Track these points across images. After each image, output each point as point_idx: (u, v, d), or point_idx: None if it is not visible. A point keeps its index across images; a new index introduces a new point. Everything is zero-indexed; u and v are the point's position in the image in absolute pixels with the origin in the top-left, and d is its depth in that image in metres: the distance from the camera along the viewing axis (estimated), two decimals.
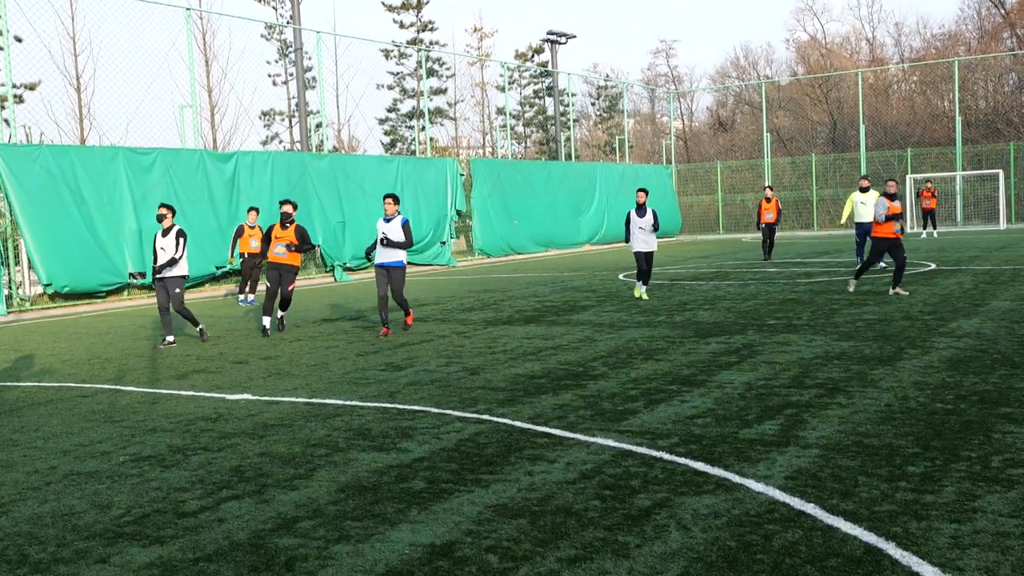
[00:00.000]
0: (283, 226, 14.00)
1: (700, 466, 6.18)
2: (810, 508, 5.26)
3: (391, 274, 13.36)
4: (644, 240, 16.06)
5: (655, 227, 16.10)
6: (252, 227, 19.69)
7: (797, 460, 6.21)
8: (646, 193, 16.27)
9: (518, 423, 7.62)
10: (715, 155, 61.79)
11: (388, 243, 13.18)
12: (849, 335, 11.39)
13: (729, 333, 12.03)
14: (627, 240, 16.30)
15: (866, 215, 19.51)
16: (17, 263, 20.94)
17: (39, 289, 20.98)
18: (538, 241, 35.58)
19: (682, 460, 6.32)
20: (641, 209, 16.17)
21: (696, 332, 12.26)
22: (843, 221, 22.16)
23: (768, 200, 25.84)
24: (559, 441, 6.99)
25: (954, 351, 9.96)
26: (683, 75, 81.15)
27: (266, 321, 14.01)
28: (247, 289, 19.88)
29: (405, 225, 13.37)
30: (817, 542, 4.75)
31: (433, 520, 5.34)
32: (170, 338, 13.41)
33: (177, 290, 13.39)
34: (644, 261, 16.25)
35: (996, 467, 5.84)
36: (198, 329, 13.86)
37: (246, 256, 19.60)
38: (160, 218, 13.47)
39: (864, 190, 20.23)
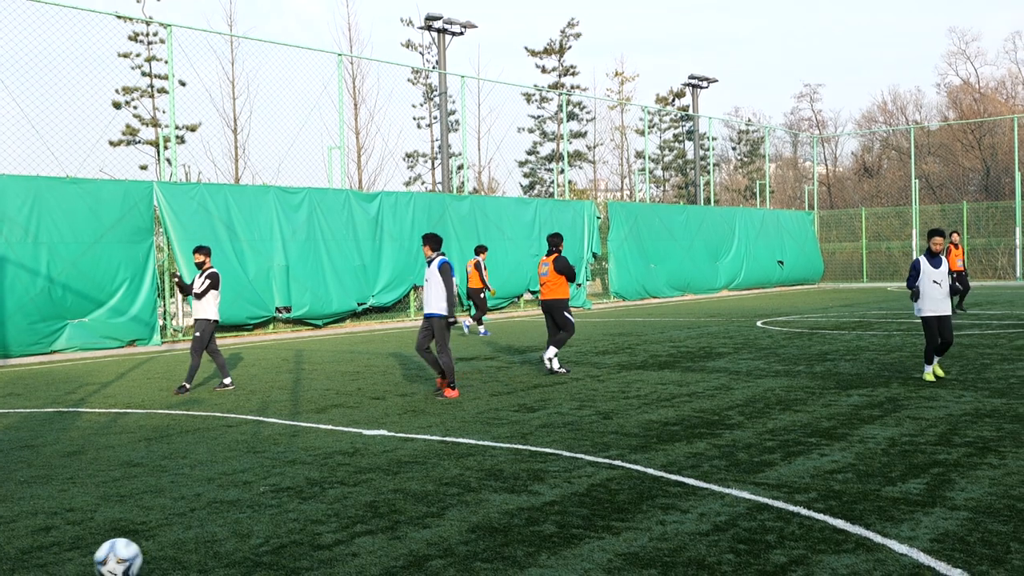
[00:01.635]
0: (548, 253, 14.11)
1: (839, 523, 5.96)
2: (957, 574, 5.00)
3: (432, 324, 11.89)
4: (941, 299, 11.97)
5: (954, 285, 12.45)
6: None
7: (944, 522, 5.92)
8: (944, 238, 12.01)
9: (651, 470, 7.52)
10: (859, 201, 60.05)
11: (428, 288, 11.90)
12: (1002, 392, 10.83)
13: (872, 385, 11.61)
14: (913, 298, 12.12)
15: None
16: (172, 295, 22.00)
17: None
18: (674, 285, 35.23)
19: (820, 516, 6.10)
20: (936, 258, 11.97)
21: (837, 383, 11.88)
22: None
23: (956, 247, 24.56)
24: (692, 491, 6.86)
25: None
26: (827, 119, 79.39)
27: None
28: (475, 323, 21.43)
29: (444, 267, 11.81)
30: None
31: (563, 565, 5.30)
32: (226, 380, 13.14)
33: (198, 333, 13.01)
34: (940, 329, 11.94)
35: None
36: (222, 381, 13.27)
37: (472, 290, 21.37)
38: (198, 265, 13.29)
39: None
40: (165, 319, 21.43)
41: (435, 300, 11.79)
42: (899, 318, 22.24)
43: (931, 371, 12.02)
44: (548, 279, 13.89)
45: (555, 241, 14.09)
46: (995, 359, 13.73)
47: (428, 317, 11.87)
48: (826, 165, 74.02)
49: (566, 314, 13.75)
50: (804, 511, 6.25)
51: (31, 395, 13.24)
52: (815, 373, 12.90)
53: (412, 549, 5.67)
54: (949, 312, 11.97)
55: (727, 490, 6.85)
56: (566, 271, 13.72)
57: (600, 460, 7.93)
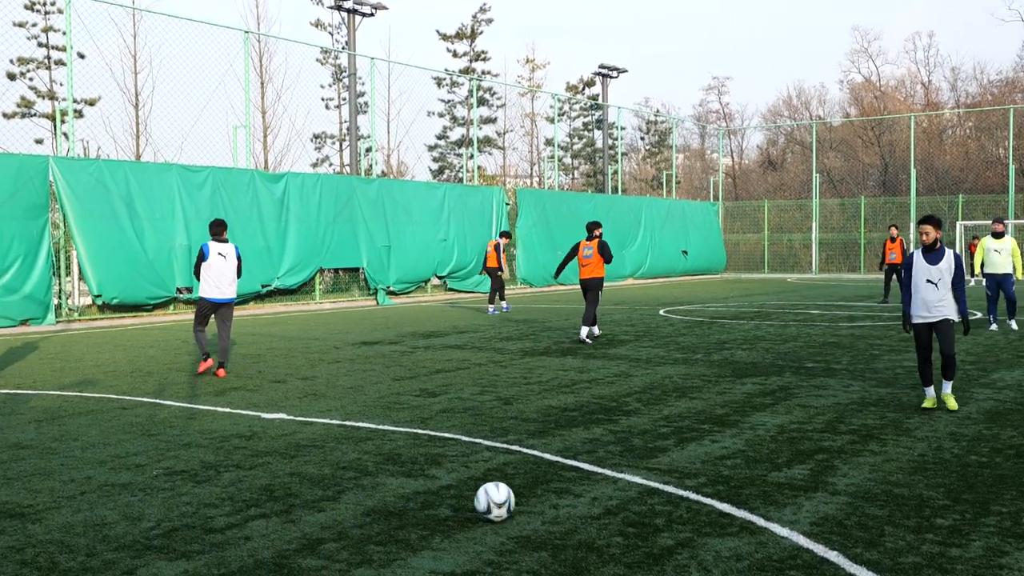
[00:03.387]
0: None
1: (726, 507, 6.16)
2: (833, 556, 5.23)
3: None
4: (935, 303, 9.40)
5: (955, 278, 9.44)
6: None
7: (824, 506, 6.17)
8: (932, 226, 9.38)
9: (547, 455, 7.64)
10: (764, 194, 61.51)
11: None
12: (888, 382, 11.27)
13: (766, 374, 11.96)
14: (906, 310, 9.69)
15: (1001, 264, 17.36)
16: (68, 274, 21.37)
17: (88, 300, 21.39)
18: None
19: (708, 500, 6.30)
20: (933, 252, 9.41)
21: (733, 372, 12.21)
22: (976, 272, 18.69)
23: (893, 240, 25.23)
24: (587, 475, 7.00)
25: (994, 403, 9.82)
26: (734, 112, 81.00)
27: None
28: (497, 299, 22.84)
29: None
30: None
31: (455, 548, 5.38)
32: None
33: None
34: (931, 337, 9.60)
35: None
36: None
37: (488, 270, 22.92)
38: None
39: (998, 235, 17.55)
40: (61, 298, 20.82)
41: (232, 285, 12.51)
42: (796, 309, 22.90)
43: (931, 395, 9.56)
44: (591, 260, 16.10)
45: (594, 226, 16.36)
46: (884, 350, 14.26)
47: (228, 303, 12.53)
48: (732, 157, 75.57)
49: (599, 292, 16.08)
50: (693, 495, 6.44)
51: None
52: (712, 361, 13.23)
53: (306, 532, 5.68)
54: (947, 317, 9.38)
55: (620, 475, 7.01)
56: (606, 254, 15.95)
57: (498, 445, 8.02)
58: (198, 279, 12.54)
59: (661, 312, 22.47)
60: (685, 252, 43.06)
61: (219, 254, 12.35)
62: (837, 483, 6.74)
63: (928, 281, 9.41)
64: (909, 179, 44.40)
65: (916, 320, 9.54)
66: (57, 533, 5.71)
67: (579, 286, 17.25)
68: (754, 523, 5.83)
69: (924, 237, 9.36)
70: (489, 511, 5.80)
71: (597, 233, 16.27)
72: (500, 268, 22.76)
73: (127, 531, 5.74)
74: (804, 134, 66.49)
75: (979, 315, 19.74)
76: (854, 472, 7.03)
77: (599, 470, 7.14)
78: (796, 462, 7.35)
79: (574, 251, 16.48)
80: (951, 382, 9.60)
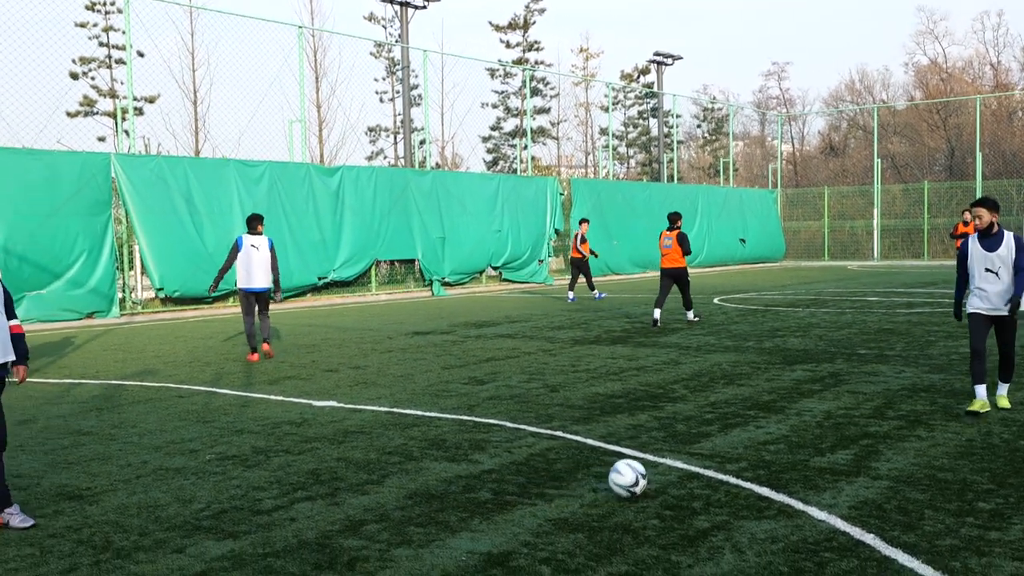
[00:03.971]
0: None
1: (765, 491, 6.18)
2: (870, 539, 5.23)
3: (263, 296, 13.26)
4: (996, 295, 8.43)
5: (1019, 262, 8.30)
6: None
7: (865, 491, 6.16)
8: (987, 209, 8.42)
9: (590, 441, 7.71)
10: (825, 180, 60.62)
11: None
12: (942, 368, 11.13)
13: (817, 361, 11.88)
14: (957, 297, 8.95)
15: None
16: (131, 268, 21.93)
17: (151, 293, 21.93)
18: (636, 263, 35.49)
19: (747, 485, 6.32)
20: (990, 238, 8.43)
21: (783, 359, 12.14)
22: None
23: (966, 224, 24.61)
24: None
25: None
26: (795, 98, 79.93)
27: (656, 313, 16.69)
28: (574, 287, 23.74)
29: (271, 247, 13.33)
30: (871, 572, 4.73)
31: (493, 530, 5.48)
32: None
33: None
34: (989, 328, 8.66)
35: None
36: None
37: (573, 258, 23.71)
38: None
39: None
40: (125, 292, 21.36)
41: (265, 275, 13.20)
42: (853, 296, 22.62)
43: (982, 396, 8.39)
44: (671, 251, 17.05)
45: (675, 218, 17.23)
46: (940, 336, 14.06)
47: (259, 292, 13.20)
48: (792, 144, 74.60)
49: (688, 278, 17.22)
50: (733, 480, 6.46)
51: None
52: (763, 349, 13.17)
53: (349, 514, 5.83)
54: (1007, 313, 8.39)
55: (661, 459, 7.06)
56: (685, 244, 16.91)
57: (542, 431, 8.11)
58: (224, 271, 13.32)
59: (715, 300, 22.34)
60: (743, 240, 42.67)
61: (252, 246, 13.16)
62: (880, 468, 6.72)
63: (987, 270, 8.42)
64: (975, 163, 43.43)
65: (973, 310, 8.56)
66: (112, 514, 5.93)
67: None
68: (792, 507, 5.85)
69: (978, 221, 8.44)
70: (636, 484, 6.00)
71: (678, 225, 17.17)
72: (582, 256, 23.53)
73: (178, 512, 5.94)
74: (867, 119, 65.34)
75: None
76: (898, 457, 6.99)
77: (641, 455, 7.20)
78: (840, 447, 7.32)
79: (659, 240, 17.48)
80: (1008, 384, 8.79)
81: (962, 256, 8.60)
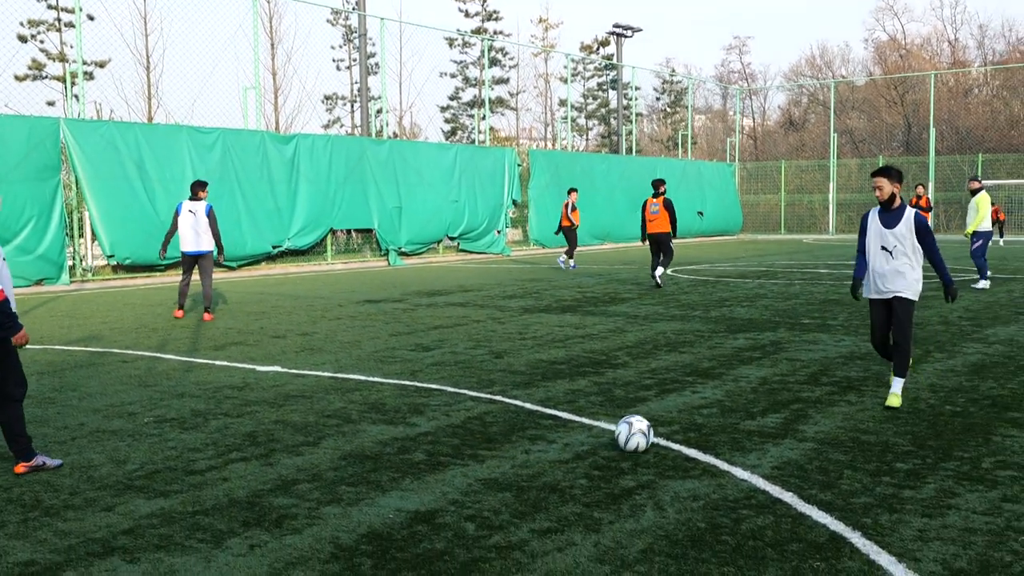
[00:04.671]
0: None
1: (693, 453, 6.32)
2: (788, 496, 5.39)
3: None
4: (890, 275, 7.70)
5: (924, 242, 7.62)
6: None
7: (789, 452, 6.32)
8: (886, 178, 7.62)
9: (528, 405, 7.82)
10: (785, 154, 61.05)
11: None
12: None
13: (760, 330, 12.08)
14: (857, 275, 7.95)
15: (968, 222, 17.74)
16: (81, 235, 21.68)
17: (102, 261, 21.72)
18: (594, 234, 35.63)
19: (676, 446, 6.47)
20: (892, 212, 7.68)
21: (728, 328, 12.33)
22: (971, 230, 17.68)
23: (919, 198, 25.00)
24: (564, 423, 7.18)
25: (981, 356, 9.90)
26: (756, 73, 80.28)
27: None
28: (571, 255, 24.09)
29: (210, 212, 13.90)
30: (785, 528, 4.89)
31: (423, 489, 5.57)
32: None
33: None
34: (886, 316, 7.88)
35: (985, 468, 5.89)
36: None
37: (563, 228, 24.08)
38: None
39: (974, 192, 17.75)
40: (75, 259, 21.14)
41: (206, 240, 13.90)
42: (804, 268, 22.93)
43: (897, 390, 7.64)
44: (657, 216, 17.86)
45: (659, 184, 18.31)
46: None
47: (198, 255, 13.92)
48: (753, 118, 75.00)
49: (671, 244, 17.91)
50: (663, 442, 6.60)
51: None
52: (709, 318, 13.35)
53: (282, 474, 5.90)
54: (901, 294, 7.63)
55: (596, 422, 7.18)
56: (671, 210, 17.80)
57: (482, 395, 8.21)
58: (169, 236, 14.12)
59: (668, 271, 22.54)
60: (700, 213, 42.96)
61: (189, 211, 13.94)
62: (807, 431, 6.89)
63: (882, 248, 7.66)
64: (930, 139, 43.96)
65: (867, 296, 7.90)
66: (45, 474, 5.95)
67: (639, 242, 20.32)
68: (717, 467, 6.00)
69: (878, 192, 7.60)
70: (644, 438, 6.28)
71: (662, 191, 18.13)
72: (572, 225, 23.98)
73: (111, 472, 5.98)
74: (826, 94, 65.81)
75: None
76: (826, 421, 7.17)
77: (576, 418, 7.32)
78: (771, 411, 7.49)
79: (643, 209, 18.29)
80: (902, 379, 7.64)
81: (861, 229, 7.86)
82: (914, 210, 7.58)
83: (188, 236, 13.87)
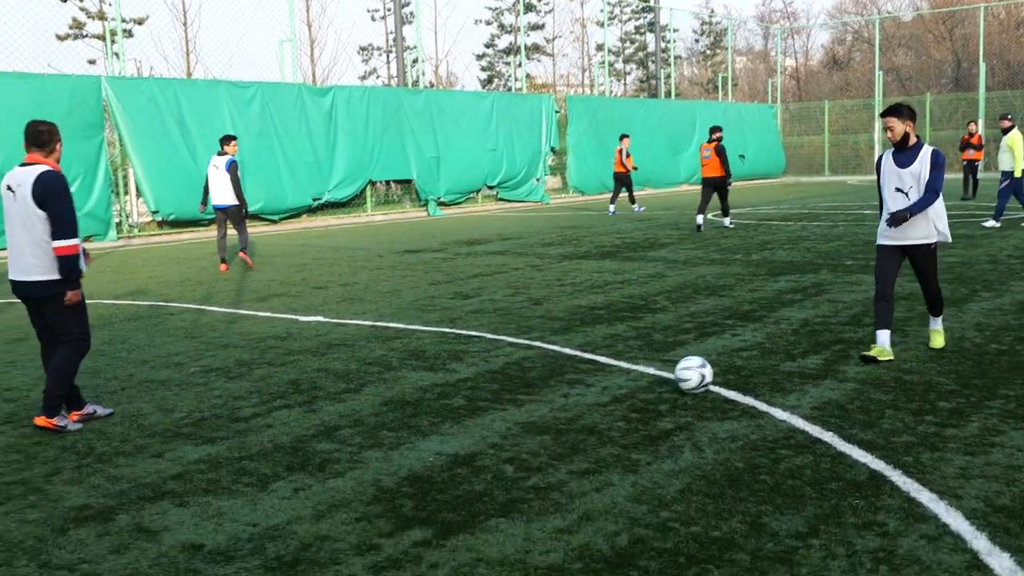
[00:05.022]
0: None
1: (732, 395, 6.33)
2: (827, 436, 5.39)
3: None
4: (918, 222, 7.12)
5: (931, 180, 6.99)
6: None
7: (830, 392, 6.30)
8: (897, 118, 7.04)
9: (567, 350, 7.86)
10: (829, 94, 59.95)
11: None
12: None
13: (802, 272, 11.97)
14: (881, 209, 7.34)
15: (1003, 162, 17.32)
16: (126, 192, 21.95)
17: (147, 217, 21.99)
18: (634, 179, 35.32)
19: (716, 389, 6.47)
20: (905, 152, 7.11)
21: (769, 271, 12.24)
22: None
23: (970, 136, 24.62)
24: (602, 368, 7.21)
25: None
26: (799, 11, 78.69)
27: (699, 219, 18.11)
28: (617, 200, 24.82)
29: (232, 165, 14.24)
30: (824, 467, 4.89)
31: (463, 433, 5.65)
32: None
33: None
34: (899, 264, 7.31)
35: None
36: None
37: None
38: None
39: (1004, 132, 17.63)
40: (121, 216, 21.42)
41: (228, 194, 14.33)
42: (848, 210, 22.62)
43: (882, 343, 7.14)
44: (710, 161, 18.60)
45: (715, 130, 18.81)
46: None
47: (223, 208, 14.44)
48: (795, 59, 73.60)
49: (726, 188, 18.69)
50: None
51: None
52: (750, 261, 13.26)
53: (324, 420, 6.00)
54: (925, 240, 7.14)
55: (634, 366, 7.20)
56: (723, 156, 18.48)
57: (520, 341, 8.26)
58: (206, 190, 14.59)
59: (709, 216, 22.36)
60: (742, 156, 42.40)
61: (214, 166, 14.39)
62: (848, 372, 6.86)
63: (897, 190, 7.12)
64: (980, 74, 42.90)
65: (880, 241, 7.31)
66: (97, 423, 6.11)
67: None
68: (756, 408, 6.00)
69: (889, 133, 7.11)
70: (703, 380, 6.33)
71: (716, 136, 18.74)
72: (626, 171, 24.57)
73: (159, 420, 6.12)
74: (872, 31, 64.31)
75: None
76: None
77: (615, 362, 7.34)
78: (812, 353, 7.46)
79: (700, 152, 19.05)
80: (939, 317, 7.51)
81: (877, 173, 7.33)
82: (932, 147, 7.05)
83: (215, 190, 14.34)
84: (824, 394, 6.27)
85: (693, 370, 6.34)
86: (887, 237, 7.25)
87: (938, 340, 7.49)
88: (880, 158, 7.31)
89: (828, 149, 46.93)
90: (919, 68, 59.50)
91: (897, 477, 4.72)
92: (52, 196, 5.86)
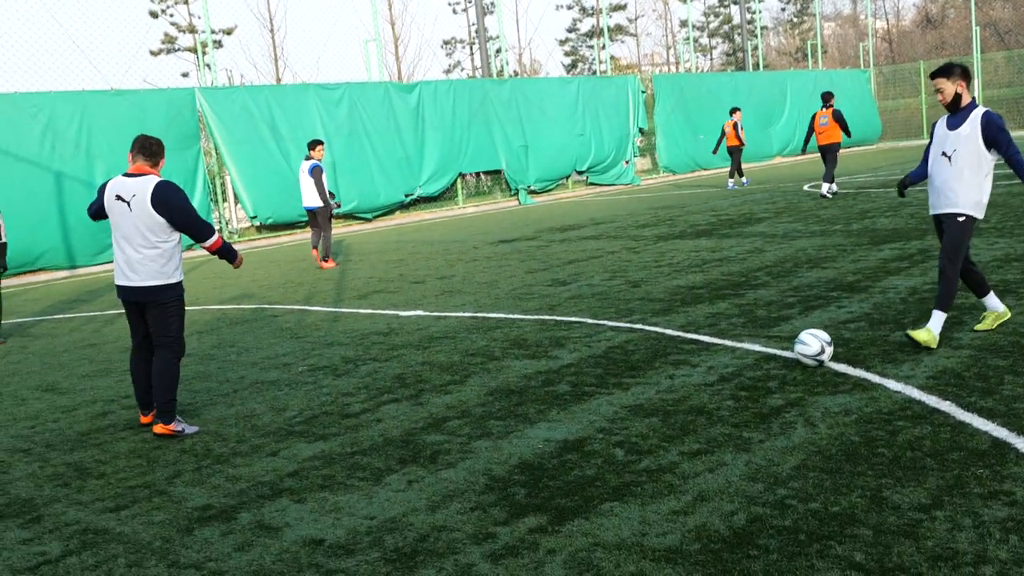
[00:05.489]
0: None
1: (842, 368, 6.19)
2: (945, 406, 5.23)
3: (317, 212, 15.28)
4: (941, 188, 6.64)
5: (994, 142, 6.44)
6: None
7: (945, 360, 6.12)
8: (949, 78, 6.53)
9: (669, 331, 7.79)
10: (923, 55, 58.03)
11: None
12: None
13: (906, 239, 11.63)
14: (914, 171, 7.13)
15: None
16: (224, 199, 22.54)
17: (245, 223, 22.55)
18: (725, 156, 34.68)
19: (826, 363, 6.33)
20: (957, 115, 6.59)
21: (871, 239, 11.92)
22: None
23: None
24: (706, 347, 7.12)
25: None
26: None
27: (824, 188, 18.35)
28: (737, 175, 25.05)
29: (315, 170, 14.99)
30: (944, 437, 4.75)
31: (570, 419, 5.65)
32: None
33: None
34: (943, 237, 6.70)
35: None
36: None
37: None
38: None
39: None
40: (221, 223, 22.01)
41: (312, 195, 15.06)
42: None
43: (992, 305, 6.85)
44: (827, 127, 18.74)
45: (828, 97, 19.03)
46: None
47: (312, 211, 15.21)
48: (887, 20, 71.42)
49: (837, 154, 18.72)
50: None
51: (95, 300, 13.90)
52: (851, 231, 12.93)
53: (432, 412, 6.07)
54: (956, 210, 6.53)
55: (739, 344, 7.10)
56: (841, 121, 18.64)
57: (621, 325, 8.21)
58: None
59: (805, 188, 21.89)
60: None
61: (303, 171, 15.18)
62: (962, 338, 6.64)
63: (943, 154, 6.58)
64: None
65: (931, 210, 6.79)
66: (212, 425, 6.29)
67: (815, 151, 20.96)
68: (869, 380, 5.86)
69: (939, 97, 6.59)
70: (821, 351, 6.21)
71: (831, 103, 18.90)
72: (742, 144, 24.76)
73: (272, 420, 6.27)
74: None
75: None
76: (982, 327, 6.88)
77: (719, 341, 7.25)
78: (923, 321, 7.23)
79: (812, 121, 19.07)
80: (942, 314, 6.53)
81: (930, 137, 6.81)
82: (985, 109, 6.45)
83: (304, 193, 15.19)
84: (939, 362, 6.09)
85: (817, 339, 6.22)
86: (931, 207, 6.75)
87: (920, 334, 6.46)
88: (935, 124, 6.75)
89: (926, 111, 45.43)
90: (1018, 20, 57.12)
91: (1022, 444, 4.56)
92: (177, 204, 6.19)
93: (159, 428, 6.11)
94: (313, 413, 6.34)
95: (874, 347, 6.63)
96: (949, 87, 6.54)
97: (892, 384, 5.72)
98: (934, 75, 6.60)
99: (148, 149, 6.37)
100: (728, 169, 25.86)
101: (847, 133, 18.84)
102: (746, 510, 4.09)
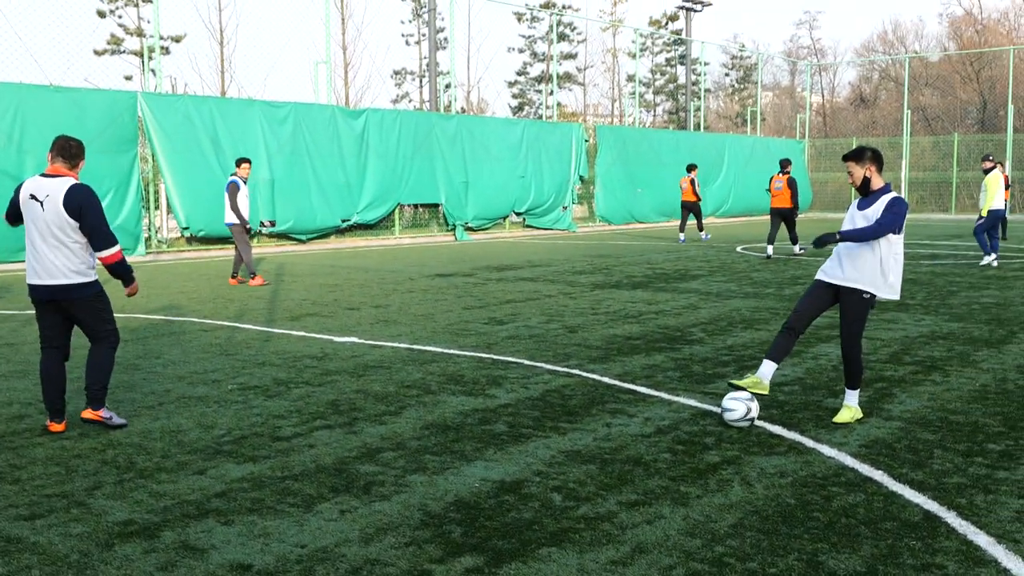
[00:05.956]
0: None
1: (777, 429, 6.25)
2: (878, 475, 5.30)
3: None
4: (849, 261, 6.51)
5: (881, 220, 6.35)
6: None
7: (876, 431, 6.22)
8: (858, 162, 6.56)
9: (606, 379, 7.80)
10: (855, 132, 59.84)
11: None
12: (961, 317, 11.11)
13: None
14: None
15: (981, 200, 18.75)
16: (157, 207, 22.09)
17: (175, 233, 22.11)
18: (661, 211, 35.31)
19: (760, 423, 6.39)
20: (868, 197, 6.56)
21: None
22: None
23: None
24: (643, 398, 7.14)
25: None
26: (827, 48, 78.71)
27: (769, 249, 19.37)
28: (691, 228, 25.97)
29: (229, 186, 15.04)
30: (877, 506, 4.81)
31: (507, 460, 5.59)
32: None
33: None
34: (823, 303, 6.78)
35: None
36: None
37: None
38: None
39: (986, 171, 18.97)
40: (151, 230, 21.55)
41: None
42: None
43: (764, 374, 6.55)
44: (781, 192, 19.86)
45: (786, 163, 20.29)
46: (962, 287, 14.00)
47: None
48: (823, 95, 73.58)
49: (795, 218, 20.06)
50: None
51: (15, 299, 13.45)
52: (783, 295, 13.17)
53: (366, 442, 5.96)
54: (858, 286, 6.46)
55: (675, 398, 7.14)
56: (793, 188, 19.76)
57: (559, 369, 8.21)
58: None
59: (738, 249, 22.29)
60: (769, 190, 42.34)
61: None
62: (893, 410, 6.77)
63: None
64: (1008, 116, 42.75)
65: (818, 275, 6.74)
66: (136, 437, 6.09)
67: (758, 215, 21.68)
68: (803, 444, 5.92)
69: (850, 179, 6.63)
70: (748, 412, 6.27)
71: (788, 170, 20.08)
72: (698, 199, 25.42)
73: (200, 437, 6.09)
74: (899, 70, 64.28)
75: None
76: (911, 400, 7.04)
77: (655, 393, 7.28)
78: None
79: (769, 183, 20.38)
80: (855, 391, 6.55)
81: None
82: (895, 195, 6.38)
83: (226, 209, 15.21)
84: (870, 432, 6.19)
85: (740, 401, 6.27)
86: (823, 272, 6.68)
87: (844, 415, 6.47)
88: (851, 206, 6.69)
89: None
90: (945, 108, 59.31)
91: (952, 519, 4.64)
92: (88, 209, 6.15)
93: (87, 413, 6.25)
94: (243, 433, 6.18)
95: (807, 411, 6.72)
96: (858, 171, 6.55)
97: (826, 449, 5.80)
98: (846, 158, 6.64)
99: (67, 151, 6.30)
100: (678, 223, 26.39)
101: (795, 203, 19.68)
102: (684, 565, 4.08)
